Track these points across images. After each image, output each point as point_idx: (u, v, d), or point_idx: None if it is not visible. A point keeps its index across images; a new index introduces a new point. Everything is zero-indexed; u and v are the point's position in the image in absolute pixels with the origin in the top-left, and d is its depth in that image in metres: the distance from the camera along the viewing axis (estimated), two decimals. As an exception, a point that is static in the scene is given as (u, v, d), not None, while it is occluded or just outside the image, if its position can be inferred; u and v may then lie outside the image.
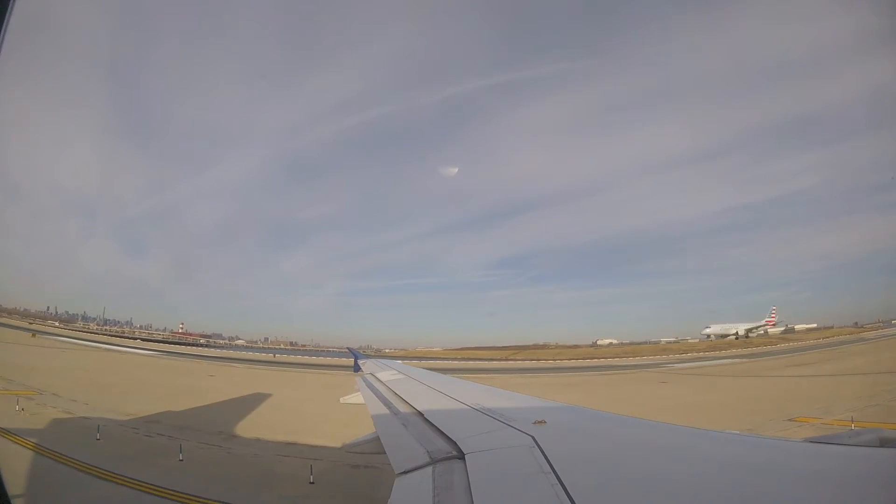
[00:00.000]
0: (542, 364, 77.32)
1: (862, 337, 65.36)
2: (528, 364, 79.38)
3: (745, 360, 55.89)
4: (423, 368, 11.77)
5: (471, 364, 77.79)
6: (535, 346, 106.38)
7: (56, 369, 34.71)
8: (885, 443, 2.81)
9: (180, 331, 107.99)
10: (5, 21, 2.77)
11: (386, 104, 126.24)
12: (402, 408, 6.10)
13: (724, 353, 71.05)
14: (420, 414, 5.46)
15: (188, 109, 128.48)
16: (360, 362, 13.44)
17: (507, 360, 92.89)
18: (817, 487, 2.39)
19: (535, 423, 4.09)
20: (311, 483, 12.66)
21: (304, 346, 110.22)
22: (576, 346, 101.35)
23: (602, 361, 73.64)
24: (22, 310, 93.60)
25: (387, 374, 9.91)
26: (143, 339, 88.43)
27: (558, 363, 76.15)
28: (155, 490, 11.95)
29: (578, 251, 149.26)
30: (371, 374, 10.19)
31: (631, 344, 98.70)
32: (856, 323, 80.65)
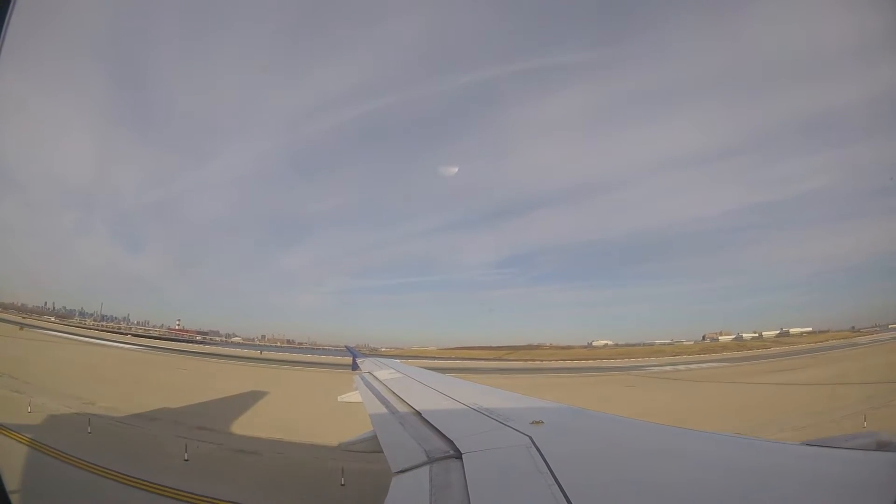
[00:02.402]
0: (528, 365, 77.71)
1: (854, 342, 65.79)
2: (514, 364, 79.67)
3: (736, 363, 56.26)
4: (421, 368, 11.76)
5: (460, 364, 77.55)
6: (529, 347, 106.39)
7: (51, 364, 34.41)
8: (881, 446, 2.83)
9: (177, 327, 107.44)
10: (9, 9, 2.75)
11: (389, 98, 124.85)
12: (400, 407, 6.10)
13: (715, 356, 71.56)
14: (418, 413, 5.46)
15: (187, 102, 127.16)
16: (358, 361, 13.45)
17: (498, 360, 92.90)
18: (814, 490, 2.40)
19: (532, 423, 4.11)
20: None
21: (302, 344, 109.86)
22: (570, 348, 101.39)
23: (590, 363, 73.89)
24: (20, 304, 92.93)
25: (385, 372, 9.91)
26: (139, 336, 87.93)
27: (544, 364, 76.50)
28: (146, 486, 11.89)
29: (579, 251, 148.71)
30: (369, 372, 10.19)
31: (626, 345, 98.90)
32: (853, 327, 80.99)
